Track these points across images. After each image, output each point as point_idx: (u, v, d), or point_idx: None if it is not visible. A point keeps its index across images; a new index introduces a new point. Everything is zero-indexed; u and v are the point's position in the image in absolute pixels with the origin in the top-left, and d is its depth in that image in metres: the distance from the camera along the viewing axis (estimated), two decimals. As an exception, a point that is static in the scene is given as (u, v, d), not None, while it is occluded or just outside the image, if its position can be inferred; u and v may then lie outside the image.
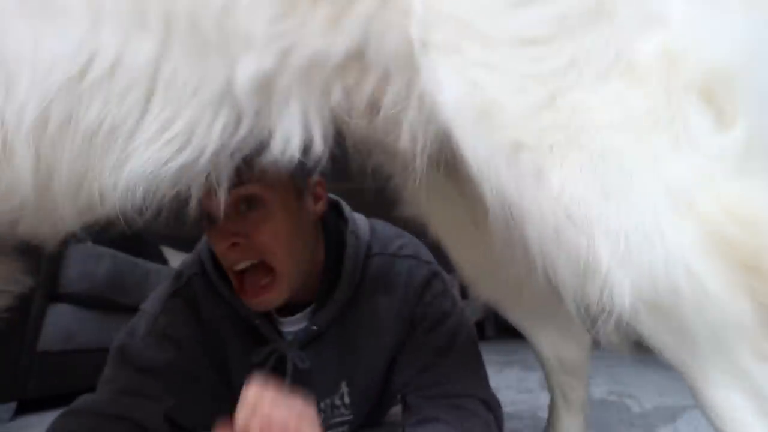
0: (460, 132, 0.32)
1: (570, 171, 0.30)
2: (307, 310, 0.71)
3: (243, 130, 0.36)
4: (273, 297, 0.63)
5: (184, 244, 2.90)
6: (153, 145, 0.33)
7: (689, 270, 0.27)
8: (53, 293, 1.54)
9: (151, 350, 0.66)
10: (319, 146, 0.37)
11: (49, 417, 0.61)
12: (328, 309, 0.69)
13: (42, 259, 1.48)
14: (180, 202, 0.40)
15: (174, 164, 0.34)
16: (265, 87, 0.35)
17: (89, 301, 1.65)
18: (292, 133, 0.36)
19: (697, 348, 0.30)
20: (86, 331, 1.66)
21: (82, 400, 0.63)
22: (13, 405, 1.40)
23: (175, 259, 2.57)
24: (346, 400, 0.75)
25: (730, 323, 0.28)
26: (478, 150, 0.31)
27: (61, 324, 1.56)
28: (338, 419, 0.76)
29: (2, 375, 1.37)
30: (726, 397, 0.30)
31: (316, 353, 0.71)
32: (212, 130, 0.35)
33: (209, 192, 0.40)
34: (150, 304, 0.75)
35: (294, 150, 0.36)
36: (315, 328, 0.70)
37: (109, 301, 1.71)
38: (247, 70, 0.33)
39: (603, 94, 0.31)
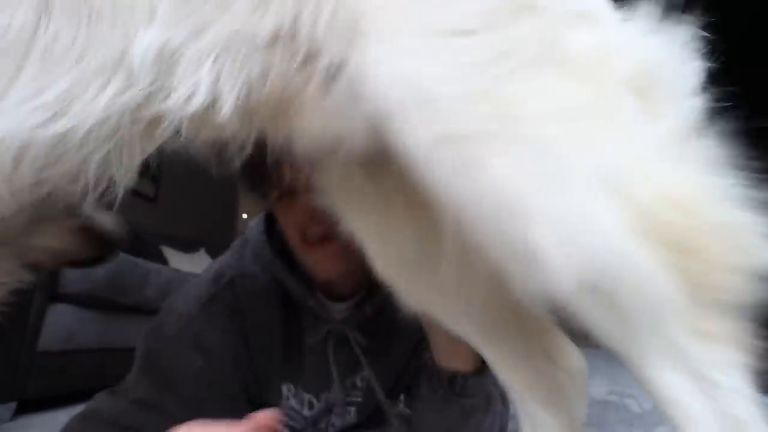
0: (396, 122, 0.31)
1: (508, 161, 0.30)
2: (356, 298, 0.74)
3: (133, 99, 0.34)
4: (341, 262, 0.66)
5: (184, 244, 2.90)
6: (22, 108, 0.33)
7: (624, 254, 0.28)
8: (53, 293, 1.54)
9: (178, 358, 0.66)
10: (228, 111, 0.35)
11: (48, 417, 0.62)
12: (377, 297, 0.72)
13: (42, 259, 1.48)
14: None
15: (46, 132, 0.33)
16: (168, 58, 0.34)
17: (89, 301, 1.65)
18: (197, 91, 0.34)
19: (636, 331, 0.30)
20: (86, 331, 1.66)
21: (103, 402, 0.63)
22: (13, 405, 1.40)
23: (175, 259, 2.57)
24: (364, 383, 0.78)
25: (665, 304, 0.28)
26: (416, 141, 0.31)
27: (61, 324, 1.57)
28: (352, 399, 0.79)
29: (2, 375, 1.37)
30: (666, 378, 0.30)
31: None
32: (98, 100, 0.34)
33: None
34: (184, 303, 0.72)
35: (194, 105, 0.34)
36: (369, 308, 0.73)
37: (109, 301, 1.72)
38: (147, 42, 0.33)
39: (537, 85, 0.31)
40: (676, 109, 0.32)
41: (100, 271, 1.65)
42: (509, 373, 0.55)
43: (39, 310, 1.49)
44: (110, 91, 0.34)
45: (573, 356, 0.57)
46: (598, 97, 0.31)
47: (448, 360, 0.64)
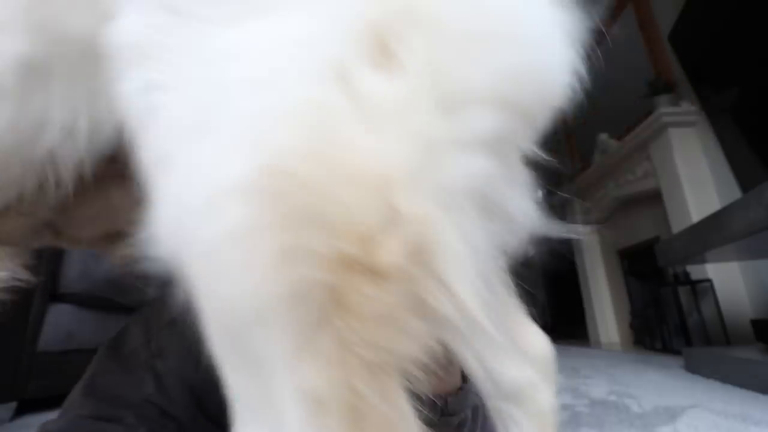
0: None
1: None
2: None
3: (12, 115, 0.33)
4: None
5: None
6: None
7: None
8: (53, 293, 1.54)
9: (130, 378, 0.62)
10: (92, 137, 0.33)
11: (48, 417, 0.61)
12: None
13: (42, 259, 1.48)
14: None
15: None
16: (31, 72, 0.32)
17: (89, 301, 1.65)
18: (67, 122, 0.33)
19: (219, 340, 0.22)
20: (86, 331, 1.66)
21: (51, 425, 0.61)
22: (13, 405, 1.41)
23: (175, 259, 2.57)
24: None
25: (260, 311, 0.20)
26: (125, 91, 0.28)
27: (61, 324, 1.57)
28: None
29: (2, 375, 1.37)
30: None
31: None
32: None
33: None
34: (146, 321, 0.69)
35: (76, 139, 0.33)
36: None
37: (109, 301, 1.72)
38: (8, 54, 0.31)
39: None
40: (414, 62, 0.25)
41: (100, 271, 1.65)
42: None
43: (39, 310, 1.49)
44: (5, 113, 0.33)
45: (538, 343, 0.53)
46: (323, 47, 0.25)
47: (430, 386, 0.62)
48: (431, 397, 0.62)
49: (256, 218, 0.20)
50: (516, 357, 0.51)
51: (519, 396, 0.50)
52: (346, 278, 0.20)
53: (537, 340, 0.53)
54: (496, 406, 0.52)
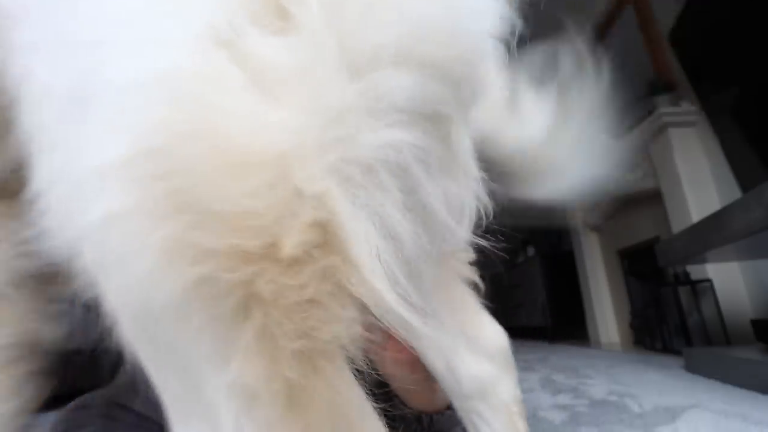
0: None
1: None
2: None
3: None
4: None
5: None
6: None
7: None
8: (53, 293, 1.54)
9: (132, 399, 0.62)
10: None
11: (49, 417, 0.61)
12: None
13: (42, 259, 1.48)
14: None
15: None
16: None
17: (89, 301, 1.65)
18: None
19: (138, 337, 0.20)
20: (86, 331, 1.66)
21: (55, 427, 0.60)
22: (13, 405, 1.40)
23: (175, 259, 2.57)
24: None
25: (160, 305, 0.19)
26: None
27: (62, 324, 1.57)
28: None
29: (2, 375, 1.37)
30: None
31: None
32: None
33: None
34: None
35: None
36: None
37: (109, 301, 1.72)
38: None
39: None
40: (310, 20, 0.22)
41: (100, 271, 1.65)
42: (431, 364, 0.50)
43: (39, 310, 1.49)
44: None
45: (494, 335, 0.52)
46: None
47: (414, 402, 0.62)
48: (416, 414, 0.62)
49: (135, 204, 0.18)
50: (472, 352, 0.50)
51: (481, 391, 0.50)
52: (253, 271, 0.18)
53: (493, 332, 0.53)
54: (461, 405, 0.52)
